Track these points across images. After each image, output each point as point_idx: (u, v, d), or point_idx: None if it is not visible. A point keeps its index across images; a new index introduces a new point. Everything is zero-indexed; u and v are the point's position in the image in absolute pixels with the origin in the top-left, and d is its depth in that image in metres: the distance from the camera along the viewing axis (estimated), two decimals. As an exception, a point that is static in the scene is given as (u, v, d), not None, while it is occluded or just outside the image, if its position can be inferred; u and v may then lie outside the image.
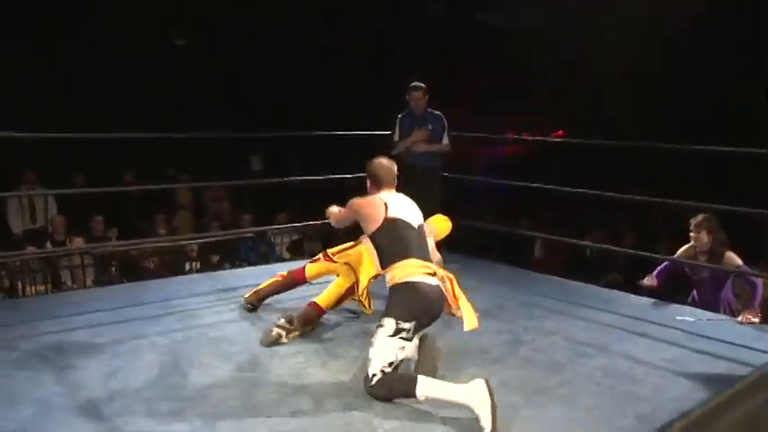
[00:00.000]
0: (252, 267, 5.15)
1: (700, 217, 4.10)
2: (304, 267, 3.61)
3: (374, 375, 2.51)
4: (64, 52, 7.79)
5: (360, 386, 2.65)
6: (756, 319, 3.65)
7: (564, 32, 8.40)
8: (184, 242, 6.15)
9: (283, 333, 3.20)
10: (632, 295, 4.37)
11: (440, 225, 3.48)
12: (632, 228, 6.99)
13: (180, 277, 4.71)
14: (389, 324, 2.56)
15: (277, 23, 9.27)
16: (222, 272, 5.03)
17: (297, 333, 3.23)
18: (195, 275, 5.22)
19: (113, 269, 5.93)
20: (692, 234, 4.14)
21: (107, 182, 6.06)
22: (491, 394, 2.32)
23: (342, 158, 8.29)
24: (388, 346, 2.52)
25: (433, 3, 9.70)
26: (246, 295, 3.72)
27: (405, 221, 2.78)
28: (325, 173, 5.08)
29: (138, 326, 3.39)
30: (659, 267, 4.33)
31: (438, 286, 2.65)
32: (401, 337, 2.55)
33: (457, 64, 9.52)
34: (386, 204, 2.81)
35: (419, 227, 2.86)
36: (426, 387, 2.43)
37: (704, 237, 4.08)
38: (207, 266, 6.16)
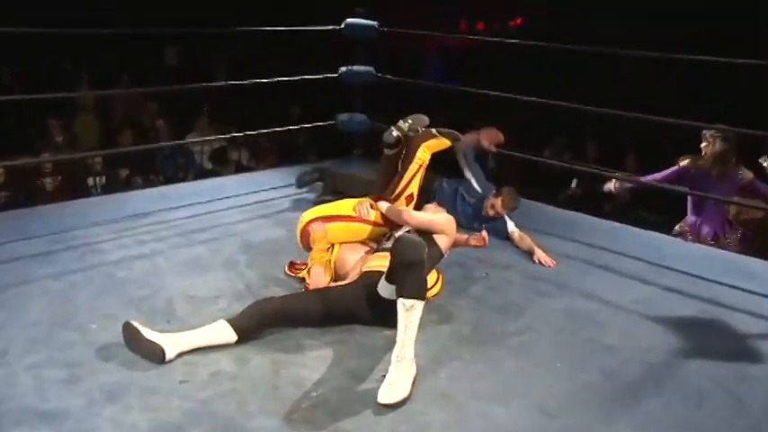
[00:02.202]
0: (168, 186, 4.81)
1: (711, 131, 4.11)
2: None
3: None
4: None
5: (290, 339, 2.49)
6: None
7: None
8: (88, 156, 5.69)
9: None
10: (595, 218, 4.33)
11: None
12: (596, 137, 6.90)
13: (79, 201, 4.31)
14: None
15: None
16: (132, 192, 4.68)
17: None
18: (98, 198, 4.87)
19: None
20: (704, 144, 4.13)
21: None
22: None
23: (275, 50, 7.78)
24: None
25: None
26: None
27: None
28: (254, 68, 4.69)
29: (23, 266, 3.06)
30: (665, 173, 4.25)
31: None
32: None
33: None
34: None
35: None
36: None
37: (718, 144, 4.07)
38: (114, 182, 5.73)
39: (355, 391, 2.26)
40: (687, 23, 6.56)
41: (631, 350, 2.64)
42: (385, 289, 2.48)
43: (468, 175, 3.90)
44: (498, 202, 3.67)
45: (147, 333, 2.38)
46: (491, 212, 3.69)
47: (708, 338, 2.79)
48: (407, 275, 2.30)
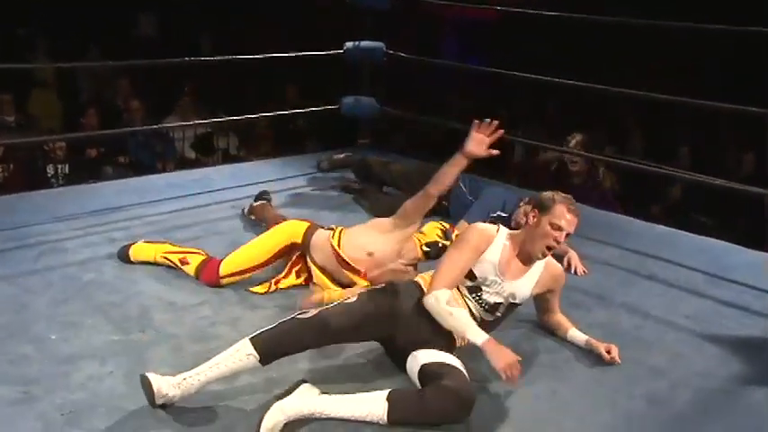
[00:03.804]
0: (143, 177, 4.83)
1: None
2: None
3: None
4: None
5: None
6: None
7: None
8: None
9: None
10: (639, 221, 4.32)
11: None
12: (641, 127, 6.85)
13: (37, 192, 4.32)
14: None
15: None
16: (101, 184, 4.71)
17: None
18: (60, 190, 4.88)
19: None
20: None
21: None
22: None
23: (270, 21, 7.76)
24: None
25: None
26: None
27: None
28: (246, 42, 4.71)
29: (-27, 266, 3.09)
30: None
31: None
32: None
33: None
34: None
35: None
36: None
37: None
38: (79, 172, 5.75)
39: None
40: None
41: (682, 375, 2.62)
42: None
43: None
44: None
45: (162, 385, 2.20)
46: (523, 220, 3.55)
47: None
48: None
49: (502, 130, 2.79)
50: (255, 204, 3.76)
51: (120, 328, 2.68)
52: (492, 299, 2.48)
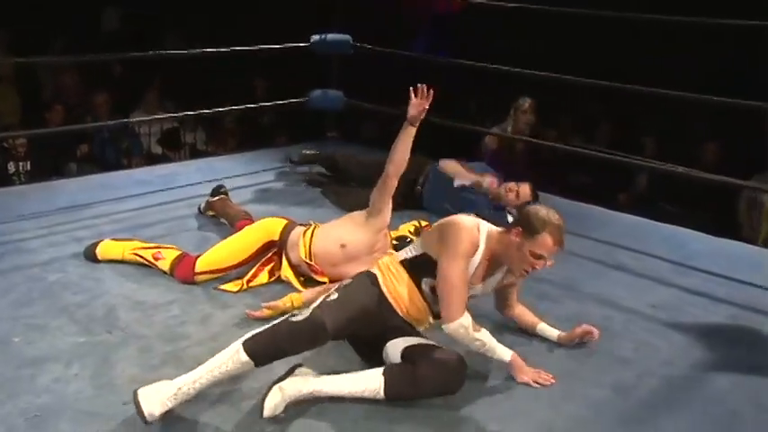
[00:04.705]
0: (109, 174, 4.78)
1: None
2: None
3: None
4: None
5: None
6: None
7: None
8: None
9: None
10: (607, 210, 4.37)
11: None
12: (610, 119, 6.92)
13: (0, 190, 4.27)
14: None
15: None
16: (65, 181, 4.64)
17: None
18: (22, 187, 4.80)
19: None
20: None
21: None
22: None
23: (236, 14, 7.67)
24: None
25: None
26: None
27: None
28: (212, 35, 4.68)
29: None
30: None
31: None
32: None
33: None
34: None
35: None
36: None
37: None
38: (42, 169, 5.65)
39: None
40: None
41: (650, 364, 2.65)
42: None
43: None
44: (526, 188, 3.77)
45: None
46: (511, 197, 3.79)
47: (740, 350, 2.82)
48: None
49: (432, 92, 2.84)
50: (213, 200, 3.73)
51: (86, 329, 2.65)
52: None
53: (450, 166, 4.06)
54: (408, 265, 2.45)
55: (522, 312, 2.80)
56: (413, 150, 2.95)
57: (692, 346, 2.81)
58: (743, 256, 3.77)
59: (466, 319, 2.34)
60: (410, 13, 8.71)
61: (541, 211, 2.41)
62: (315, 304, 2.31)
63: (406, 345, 2.37)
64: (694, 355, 2.74)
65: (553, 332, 2.75)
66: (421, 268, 2.42)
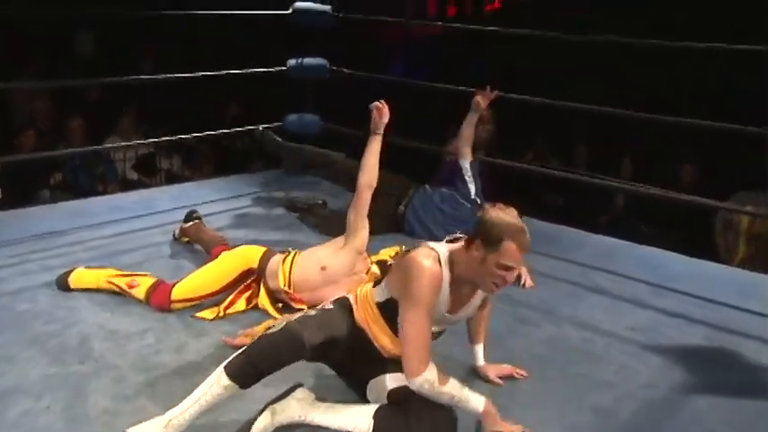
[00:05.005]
0: (83, 200, 4.72)
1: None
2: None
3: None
4: None
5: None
6: None
7: None
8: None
9: None
10: (584, 232, 4.39)
11: None
12: (585, 138, 7.00)
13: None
14: None
15: None
16: (38, 208, 4.57)
17: None
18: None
19: None
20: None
21: None
22: None
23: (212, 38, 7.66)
24: None
25: None
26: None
27: None
28: (188, 60, 4.67)
29: None
30: None
31: None
32: None
33: None
34: None
35: None
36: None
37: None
38: (14, 196, 5.56)
39: None
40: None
41: (629, 387, 2.65)
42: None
43: (469, 179, 4.00)
44: (513, 212, 3.78)
45: None
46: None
47: (719, 372, 2.83)
48: None
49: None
50: (187, 226, 3.70)
51: (57, 360, 2.60)
52: (436, 330, 2.35)
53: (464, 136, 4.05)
54: (381, 308, 2.32)
55: (477, 323, 2.59)
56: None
57: (671, 368, 2.81)
58: (719, 277, 3.79)
59: (430, 374, 2.16)
60: (387, 38, 8.82)
61: (497, 215, 2.18)
62: (292, 318, 2.23)
63: (393, 386, 2.28)
64: (673, 376, 2.75)
65: (480, 359, 2.63)
66: (392, 312, 2.26)
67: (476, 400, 2.23)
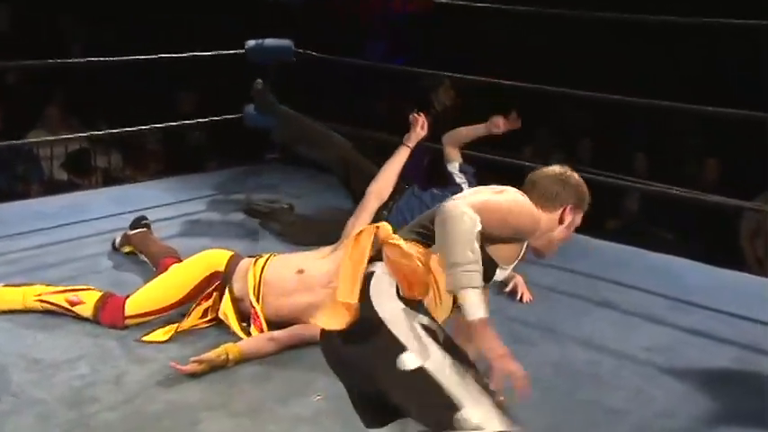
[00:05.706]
0: (2, 204, 4.68)
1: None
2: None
3: None
4: None
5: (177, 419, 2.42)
6: None
7: None
8: None
9: None
10: (592, 239, 4.40)
11: None
12: (591, 132, 7.05)
13: None
14: None
15: None
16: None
17: None
18: None
19: None
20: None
21: None
22: None
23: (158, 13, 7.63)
24: None
25: None
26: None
27: None
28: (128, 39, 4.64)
29: None
30: None
31: None
32: None
33: None
34: None
35: None
36: None
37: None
38: None
39: None
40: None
41: (644, 415, 2.66)
42: None
43: (462, 181, 4.01)
44: None
45: None
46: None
47: (747, 399, 2.83)
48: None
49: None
50: (132, 233, 3.68)
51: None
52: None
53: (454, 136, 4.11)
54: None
55: None
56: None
57: (692, 394, 2.83)
58: (746, 288, 3.82)
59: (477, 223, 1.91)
60: (364, 13, 8.83)
61: (562, 172, 2.31)
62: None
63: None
64: (695, 404, 2.76)
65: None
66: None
67: (477, 305, 1.94)
